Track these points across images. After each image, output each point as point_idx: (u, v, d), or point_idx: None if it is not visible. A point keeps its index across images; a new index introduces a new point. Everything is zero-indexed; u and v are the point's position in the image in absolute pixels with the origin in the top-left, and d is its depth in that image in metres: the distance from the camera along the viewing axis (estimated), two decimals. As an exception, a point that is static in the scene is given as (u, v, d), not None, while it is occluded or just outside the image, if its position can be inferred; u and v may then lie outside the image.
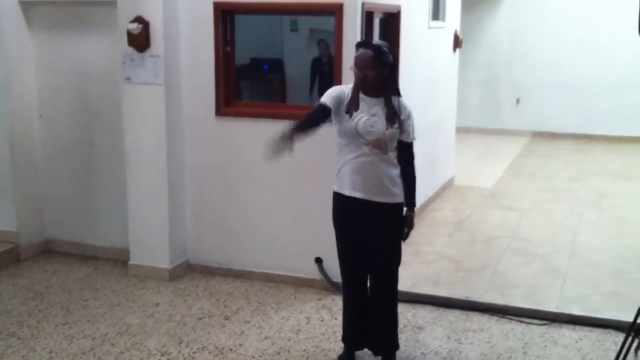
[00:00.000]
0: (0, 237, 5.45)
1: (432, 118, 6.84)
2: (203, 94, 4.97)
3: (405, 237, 3.65)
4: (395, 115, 3.43)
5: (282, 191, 4.92)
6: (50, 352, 3.97)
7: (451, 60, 7.66)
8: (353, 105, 3.45)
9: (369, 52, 3.40)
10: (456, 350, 3.98)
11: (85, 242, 5.56)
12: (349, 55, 4.63)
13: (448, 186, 7.54)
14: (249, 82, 7.76)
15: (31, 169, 5.54)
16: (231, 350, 3.98)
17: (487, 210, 6.87)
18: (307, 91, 7.67)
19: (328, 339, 4.12)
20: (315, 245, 4.84)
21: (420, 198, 6.59)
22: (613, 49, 10.75)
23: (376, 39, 3.78)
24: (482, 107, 11.54)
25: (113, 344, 4.06)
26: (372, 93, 3.45)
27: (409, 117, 3.51)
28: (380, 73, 3.41)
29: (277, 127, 4.75)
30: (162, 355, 3.92)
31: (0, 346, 4.04)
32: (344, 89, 3.55)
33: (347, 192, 3.52)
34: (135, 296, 4.77)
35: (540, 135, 11.19)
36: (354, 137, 3.44)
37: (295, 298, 4.72)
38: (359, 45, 3.48)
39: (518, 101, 11.44)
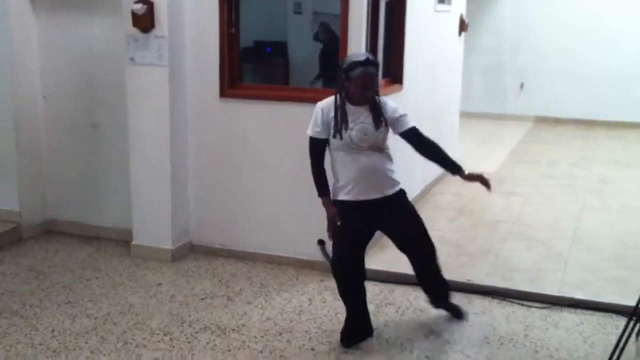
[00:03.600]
0: (2, 216, 5.46)
1: (436, 102, 6.82)
2: (207, 76, 4.96)
3: (489, 186, 3.85)
4: (380, 117, 3.49)
5: (284, 173, 4.91)
6: (53, 331, 3.99)
7: (456, 44, 7.62)
8: (342, 124, 3.49)
9: (371, 70, 3.40)
10: (458, 332, 3.99)
11: (87, 222, 5.57)
12: (354, 39, 4.61)
13: (451, 170, 7.52)
14: (252, 65, 7.74)
15: (34, 149, 5.54)
16: (233, 330, 3.99)
17: (489, 195, 6.80)
18: (310, 74, 7.64)
19: (330, 320, 4.14)
20: (317, 227, 4.82)
21: (423, 182, 6.62)
22: (617, 35, 10.72)
23: (362, 51, 3.98)
24: (485, 92, 11.51)
25: (115, 323, 4.08)
26: (364, 103, 3.50)
27: (395, 110, 3.57)
28: (377, 83, 3.51)
29: (281, 109, 4.81)
30: (165, 334, 3.94)
31: (3, 324, 4.06)
32: (323, 108, 3.58)
33: (361, 197, 3.60)
34: (138, 276, 4.79)
35: (543, 121, 11.17)
36: (351, 147, 3.52)
37: (297, 279, 4.73)
38: (360, 64, 3.38)
39: (522, 86, 11.41)
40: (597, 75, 10.91)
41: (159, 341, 3.86)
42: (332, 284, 4.64)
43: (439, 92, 6.98)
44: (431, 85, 6.65)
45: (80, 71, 5.39)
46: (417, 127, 3.65)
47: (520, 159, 8.58)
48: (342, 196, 3.62)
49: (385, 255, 5.06)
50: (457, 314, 4.12)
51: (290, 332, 3.99)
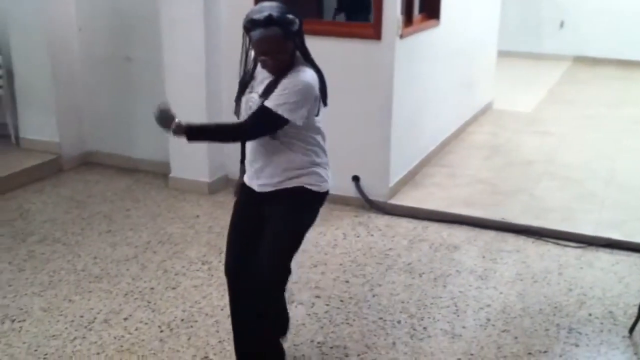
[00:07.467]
0: (43, 147, 5.55)
1: (470, 39, 6.67)
2: (242, 5, 4.89)
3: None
4: (269, 91, 2.56)
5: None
6: (95, 258, 4.11)
7: (494, -22, 7.42)
8: (242, 87, 2.71)
9: (274, 31, 2.47)
10: (491, 269, 4.03)
11: (125, 154, 5.65)
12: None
13: (486, 110, 7.44)
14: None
15: (71, 81, 5.58)
16: (269, 261, 4.06)
17: (524, 135, 6.79)
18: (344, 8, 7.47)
19: (364, 254, 4.20)
20: (352, 164, 4.87)
21: (458, 121, 6.58)
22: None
23: (269, 3, 2.58)
24: (522, 30, 11.23)
25: (155, 252, 4.18)
26: (273, 71, 2.59)
27: (286, 88, 2.53)
28: (291, 47, 2.56)
29: (315, 43, 4.76)
30: (203, 263, 4.04)
31: (46, 251, 4.19)
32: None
33: (249, 182, 2.81)
34: (176, 208, 4.88)
35: (582, 61, 10.91)
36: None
37: (331, 214, 4.77)
38: (254, 24, 2.47)
39: (562, 24, 11.11)
40: (637, 14, 10.57)
41: (197, 270, 3.96)
42: (365, 219, 4.71)
43: (473, 29, 6.81)
44: (465, 22, 6.49)
45: (114, 2, 5.38)
46: (266, 113, 2.53)
47: (557, 100, 8.43)
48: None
49: (417, 193, 5.09)
50: None
51: (325, 264, 4.06)
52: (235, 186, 2.97)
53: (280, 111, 2.50)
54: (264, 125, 2.57)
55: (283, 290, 2.90)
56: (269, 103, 2.52)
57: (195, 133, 2.64)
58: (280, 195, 2.72)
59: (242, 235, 2.85)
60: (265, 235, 2.75)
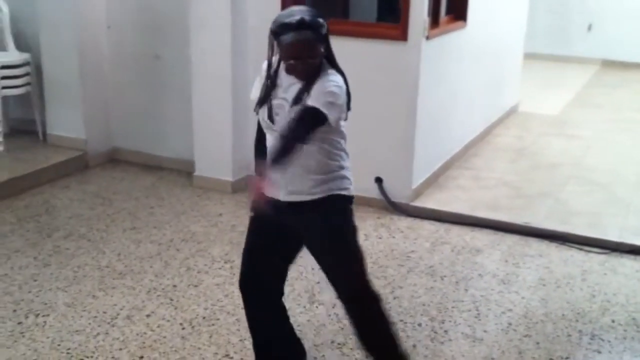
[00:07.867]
0: (69, 143, 5.61)
1: (496, 41, 6.62)
2: (268, 4, 4.92)
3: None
4: (301, 97, 2.51)
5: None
6: (119, 254, 4.15)
7: (522, -20, 7.36)
8: (265, 93, 2.61)
9: (306, 35, 2.43)
10: (513, 274, 4.00)
11: (150, 152, 5.69)
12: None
13: (512, 112, 7.39)
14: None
15: (98, 78, 5.64)
16: (291, 261, 4.08)
17: (550, 138, 6.73)
18: (372, 7, 7.46)
19: (386, 256, 4.19)
20: (375, 165, 4.86)
21: (483, 123, 6.54)
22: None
23: (298, 7, 2.53)
24: (550, 32, 11.13)
25: (178, 249, 4.22)
26: (301, 77, 2.53)
27: (323, 89, 2.48)
28: (321, 51, 2.52)
29: (342, 44, 4.77)
30: (226, 262, 4.06)
31: (71, 247, 4.24)
32: (262, 72, 2.67)
33: (271, 193, 2.60)
34: (199, 206, 4.91)
35: (610, 64, 10.78)
36: (266, 127, 2.65)
37: (354, 215, 4.76)
38: (286, 28, 2.43)
39: (590, 27, 10.98)
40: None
41: (219, 268, 3.99)
42: (387, 221, 4.70)
43: (500, 30, 6.75)
44: (494, 24, 6.46)
45: (144, 0, 5.43)
46: (311, 116, 2.47)
47: (585, 103, 8.34)
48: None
49: (441, 195, 5.07)
50: None
51: (347, 265, 4.05)
52: (250, 201, 2.71)
53: (325, 110, 2.45)
54: (312, 125, 2.48)
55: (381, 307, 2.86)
56: (313, 103, 2.46)
57: (274, 167, 2.47)
58: (316, 209, 2.65)
59: (258, 248, 2.83)
60: (327, 260, 2.79)
